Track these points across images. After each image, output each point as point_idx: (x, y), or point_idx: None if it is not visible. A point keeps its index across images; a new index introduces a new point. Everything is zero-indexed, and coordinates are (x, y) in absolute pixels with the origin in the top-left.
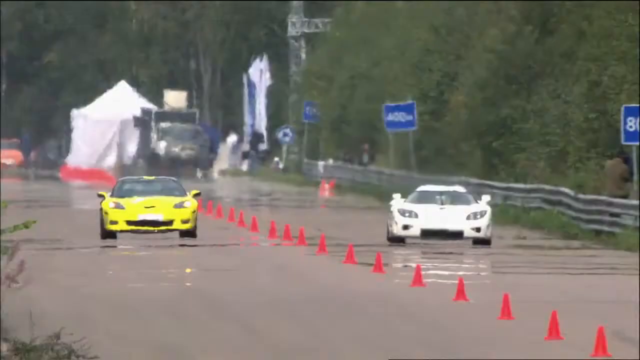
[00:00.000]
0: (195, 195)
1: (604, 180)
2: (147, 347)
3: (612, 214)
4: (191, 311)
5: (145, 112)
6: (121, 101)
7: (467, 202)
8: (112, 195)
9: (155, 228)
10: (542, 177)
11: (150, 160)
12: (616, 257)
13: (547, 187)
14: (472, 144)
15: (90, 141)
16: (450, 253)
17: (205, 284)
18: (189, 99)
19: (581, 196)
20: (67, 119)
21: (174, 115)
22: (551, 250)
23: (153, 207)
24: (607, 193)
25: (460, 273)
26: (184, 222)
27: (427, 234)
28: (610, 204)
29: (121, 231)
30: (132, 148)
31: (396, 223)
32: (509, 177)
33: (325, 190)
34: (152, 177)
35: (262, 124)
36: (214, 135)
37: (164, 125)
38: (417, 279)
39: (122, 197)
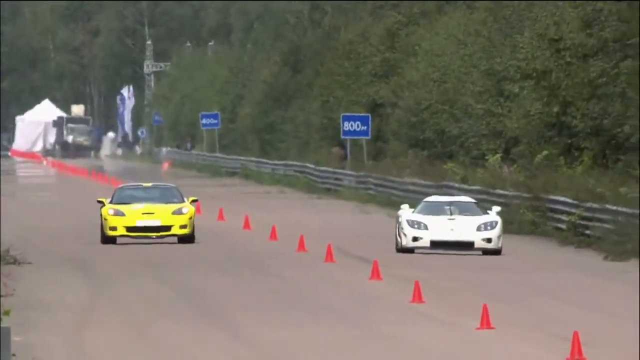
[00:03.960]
0: (193, 202)
1: (330, 159)
2: (56, 255)
3: (336, 179)
4: None
5: (60, 117)
6: (45, 111)
7: (477, 213)
8: (111, 202)
9: (154, 234)
10: (295, 156)
11: (63, 146)
12: (337, 204)
13: (297, 162)
14: (253, 137)
15: (26, 135)
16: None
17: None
18: (86, 110)
19: (318, 168)
20: (13, 122)
21: (77, 120)
22: (300, 200)
23: (152, 213)
24: (333, 166)
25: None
26: (182, 227)
27: (437, 245)
28: (334, 172)
29: (120, 236)
30: (51, 139)
31: (405, 235)
32: (275, 157)
33: (166, 166)
34: (150, 184)
35: (128, 127)
36: (100, 133)
37: (71, 125)
38: (246, 225)
39: (121, 203)
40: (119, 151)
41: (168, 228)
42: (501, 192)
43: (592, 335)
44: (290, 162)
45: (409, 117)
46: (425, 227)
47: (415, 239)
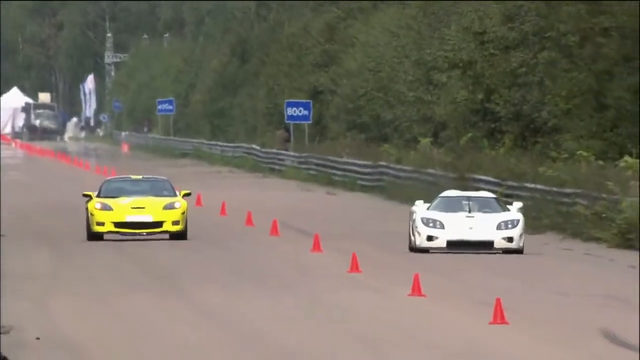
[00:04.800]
0: (185, 195)
1: (275, 141)
2: (26, 230)
3: (280, 159)
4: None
5: (28, 104)
6: (14, 98)
7: (497, 210)
8: (98, 196)
9: (144, 230)
10: (243, 139)
11: (30, 129)
12: (281, 183)
13: (245, 145)
14: (205, 121)
15: None
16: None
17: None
18: (52, 97)
19: (264, 150)
20: None
21: (44, 106)
22: (247, 179)
23: (142, 208)
24: (276, 148)
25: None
26: (175, 223)
27: (453, 245)
28: (279, 154)
29: (108, 232)
30: (20, 123)
31: (419, 234)
32: (225, 140)
33: (125, 148)
34: (140, 177)
35: (91, 112)
36: (65, 117)
37: (38, 111)
38: (198, 202)
39: (109, 197)
40: (82, 134)
41: (159, 224)
42: (431, 171)
43: (513, 301)
44: (239, 145)
45: (347, 103)
46: (442, 226)
47: (430, 238)
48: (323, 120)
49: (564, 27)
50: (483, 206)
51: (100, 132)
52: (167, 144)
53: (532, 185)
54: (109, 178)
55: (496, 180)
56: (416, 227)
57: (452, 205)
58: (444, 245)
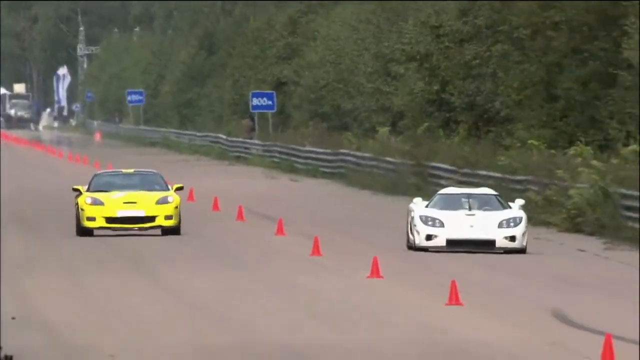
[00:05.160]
0: (178, 189)
1: (241, 130)
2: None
3: (246, 148)
4: None
5: (3, 94)
6: None
7: (499, 207)
8: (88, 190)
9: (136, 225)
10: (210, 128)
11: (6, 119)
12: (247, 170)
13: (212, 134)
14: (173, 112)
15: None
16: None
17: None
18: (26, 88)
19: (230, 139)
20: None
21: (19, 96)
22: (214, 166)
23: (134, 202)
24: (242, 137)
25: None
26: (167, 218)
27: (453, 244)
28: (244, 142)
29: (99, 228)
30: None
31: (418, 232)
32: (192, 129)
33: (98, 137)
34: (131, 170)
35: (64, 102)
36: (39, 107)
37: (13, 101)
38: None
39: (99, 191)
40: (56, 124)
41: (152, 219)
42: (390, 159)
43: (468, 283)
44: (206, 134)
45: (309, 94)
46: (441, 224)
47: (429, 237)
48: (286, 109)
49: (516, 21)
50: (484, 203)
51: (73, 121)
52: (138, 133)
53: (485, 172)
54: (99, 172)
55: (452, 167)
56: (415, 225)
57: (452, 203)
58: (444, 244)
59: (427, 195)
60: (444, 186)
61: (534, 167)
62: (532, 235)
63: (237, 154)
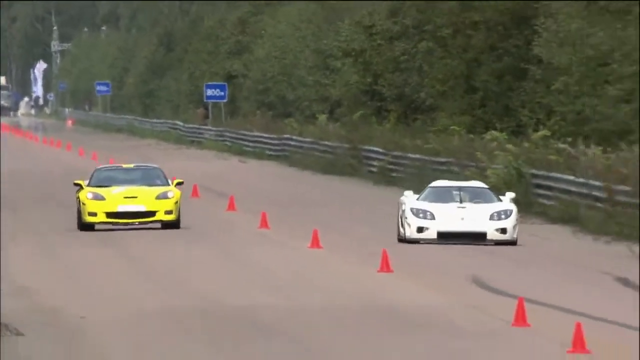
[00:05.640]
0: (178, 184)
1: (196, 118)
2: None
3: (200, 133)
4: None
5: None
6: None
7: (489, 200)
8: (89, 185)
9: (137, 220)
10: (168, 116)
11: None
12: (201, 153)
13: (170, 121)
14: (137, 101)
15: None
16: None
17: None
18: (6, 80)
19: (186, 125)
20: None
21: (1, 87)
22: (172, 150)
23: (134, 197)
24: (197, 124)
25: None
26: (167, 213)
27: (444, 236)
28: (199, 128)
29: (100, 223)
30: None
31: (409, 225)
32: (153, 117)
33: (70, 123)
34: (132, 165)
35: (40, 92)
36: (18, 97)
37: None
38: None
39: (100, 186)
40: (33, 111)
41: (152, 214)
42: (328, 143)
43: (398, 253)
44: (165, 121)
45: (257, 86)
46: (432, 217)
47: (420, 229)
48: (236, 99)
49: (439, 21)
50: (475, 196)
51: (48, 109)
52: (105, 120)
53: (413, 155)
54: (99, 167)
55: (383, 150)
56: (406, 218)
57: (443, 196)
58: (435, 236)
59: (361, 175)
60: (376, 167)
61: (455, 150)
62: None
63: (193, 138)
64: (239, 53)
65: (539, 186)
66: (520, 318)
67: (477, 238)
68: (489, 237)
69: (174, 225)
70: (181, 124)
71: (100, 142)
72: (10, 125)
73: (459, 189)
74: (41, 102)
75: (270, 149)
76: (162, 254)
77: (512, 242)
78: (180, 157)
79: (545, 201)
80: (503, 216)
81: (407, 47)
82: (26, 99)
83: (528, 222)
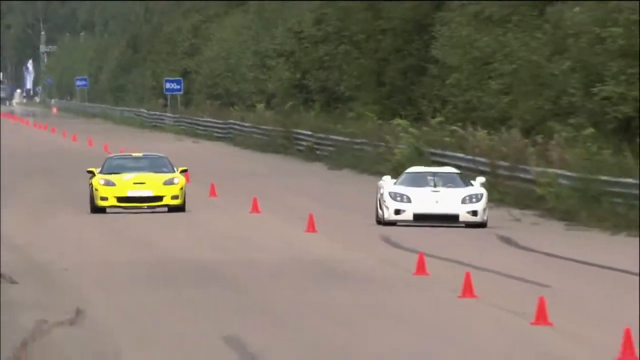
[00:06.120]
0: (182, 172)
1: (157, 107)
2: None
3: (161, 119)
4: None
5: None
6: None
7: (461, 185)
8: (101, 172)
9: (145, 204)
10: (135, 105)
11: None
12: (162, 135)
13: (135, 109)
14: (108, 94)
15: None
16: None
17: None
18: (2, 76)
19: (149, 112)
20: None
21: None
22: (137, 133)
23: (143, 183)
24: (158, 111)
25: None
26: (174, 197)
27: (420, 218)
28: (160, 115)
29: (111, 207)
30: None
31: (387, 207)
32: (123, 106)
33: (54, 110)
34: (140, 154)
35: (30, 85)
36: (12, 89)
37: None
38: (105, 149)
39: (112, 173)
40: (24, 101)
41: (160, 198)
42: (265, 127)
43: (325, 217)
44: (132, 109)
45: (207, 81)
46: (409, 200)
47: (397, 211)
48: (190, 92)
49: (355, 28)
50: (447, 181)
51: (37, 99)
52: (83, 108)
53: (335, 137)
54: (111, 155)
55: (311, 132)
56: (384, 201)
57: (418, 181)
58: (411, 218)
59: (291, 153)
60: (304, 146)
61: (368, 133)
62: (369, 181)
63: (155, 124)
64: (192, 54)
65: (435, 162)
66: (421, 268)
67: (450, 220)
68: (461, 219)
69: (179, 209)
70: (145, 111)
71: (79, 126)
72: (5, 113)
73: (433, 174)
74: (32, 93)
75: (218, 132)
76: (131, 219)
77: (482, 224)
78: (144, 138)
79: None
80: (474, 199)
81: (329, 49)
82: (19, 91)
83: None
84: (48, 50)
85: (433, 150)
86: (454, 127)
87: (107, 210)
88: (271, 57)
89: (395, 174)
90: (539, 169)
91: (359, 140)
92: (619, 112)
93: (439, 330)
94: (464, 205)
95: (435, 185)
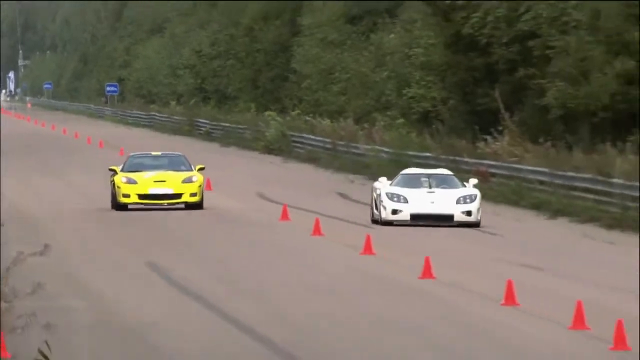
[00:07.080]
0: (200, 170)
1: (101, 103)
2: None
3: (102, 112)
4: None
5: None
6: None
7: (455, 185)
8: (122, 170)
9: (165, 201)
10: (86, 102)
11: None
12: (105, 123)
13: (86, 104)
14: (67, 94)
15: None
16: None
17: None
18: None
19: (96, 107)
20: None
21: None
22: (89, 122)
23: (163, 181)
24: (102, 106)
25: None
26: (192, 195)
27: (416, 217)
28: (103, 109)
29: (133, 203)
30: None
31: (384, 208)
32: (78, 102)
33: (29, 105)
34: (159, 153)
35: (12, 88)
36: None
37: None
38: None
39: (133, 171)
40: (8, 99)
41: (179, 196)
42: (176, 117)
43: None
44: (84, 105)
45: (135, 85)
46: (405, 200)
47: (394, 211)
48: (124, 93)
49: (238, 48)
50: (442, 182)
51: (17, 97)
52: (49, 103)
53: (225, 124)
54: (132, 154)
55: (207, 121)
56: (381, 201)
57: (413, 182)
58: (408, 218)
59: (194, 135)
60: (202, 130)
61: (248, 121)
62: (250, 155)
63: (99, 115)
64: (125, 66)
65: (294, 142)
66: (284, 215)
67: (445, 220)
68: (455, 219)
69: (197, 206)
70: (92, 106)
71: (46, 116)
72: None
73: (428, 175)
74: (13, 93)
75: (143, 121)
76: (91, 181)
77: (476, 224)
78: (92, 125)
79: (298, 150)
80: (468, 200)
81: (220, 62)
82: (4, 91)
83: (290, 162)
84: (24, 64)
85: (292, 133)
86: (307, 117)
87: (129, 207)
88: (180, 69)
89: (267, 150)
90: (367, 146)
91: (242, 126)
92: (420, 107)
93: (296, 256)
94: (458, 205)
95: (430, 186)
